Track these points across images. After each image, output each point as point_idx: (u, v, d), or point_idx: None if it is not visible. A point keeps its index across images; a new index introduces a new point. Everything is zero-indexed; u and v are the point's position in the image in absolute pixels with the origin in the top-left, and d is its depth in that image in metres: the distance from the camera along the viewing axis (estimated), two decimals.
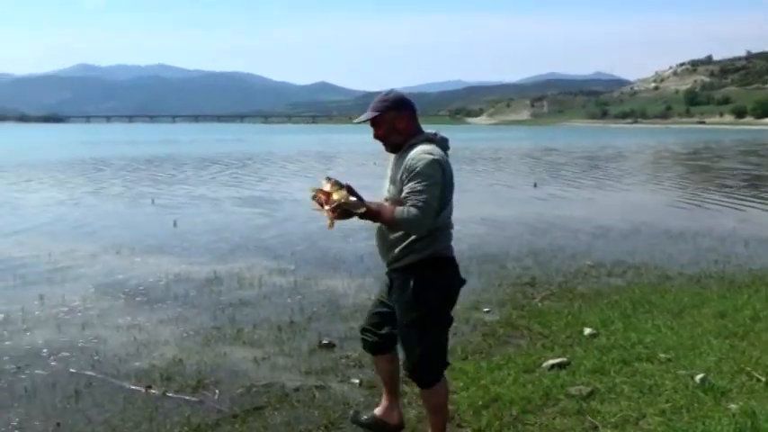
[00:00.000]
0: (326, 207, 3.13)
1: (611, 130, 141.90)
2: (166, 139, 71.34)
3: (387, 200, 3.37)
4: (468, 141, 61.99)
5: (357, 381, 4.73)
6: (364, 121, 3.46)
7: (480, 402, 4.21)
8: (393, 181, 3.37)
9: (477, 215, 13.21)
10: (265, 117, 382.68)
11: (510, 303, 6.82)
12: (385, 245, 3.46)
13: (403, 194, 3.22)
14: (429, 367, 3.48)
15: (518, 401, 4.18)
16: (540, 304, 6.78)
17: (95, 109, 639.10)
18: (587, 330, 5.65)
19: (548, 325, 5.96)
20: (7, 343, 5.60)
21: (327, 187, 3.18)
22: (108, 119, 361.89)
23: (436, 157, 3.26)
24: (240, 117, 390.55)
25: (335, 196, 3.13)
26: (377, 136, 3.48)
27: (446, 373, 3.64)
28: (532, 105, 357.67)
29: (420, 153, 3.27)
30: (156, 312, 6.53)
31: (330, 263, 8.87)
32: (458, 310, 6.47)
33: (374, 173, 25.10)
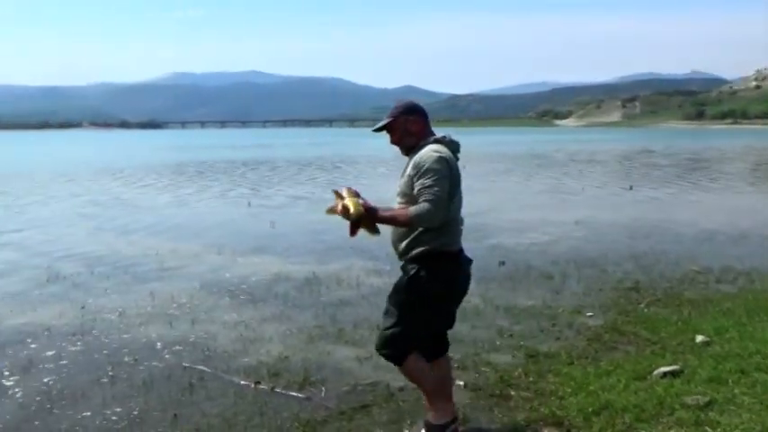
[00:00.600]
0: (347, 218, 3.41)
1: (710, 132, 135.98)
2: (260, 143, 73.39)
3: (397, 194, 3.63)
4: (560, 144, 60.85)
5: (461, 383, 4.70)
6: (381, 129, 3.74)
7: (590, 409, 4.10)
8: (402, 175, 3.62)
9: (572, 218, 12.95)
10: (351, 121, 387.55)
11: (614, 308, 6.62)
12: (395, 238, 3.65)
13: (415, 191, 3.46)
14: (394, 347, 3.67)
15: (630, 409, 4.05)
16: (646, 310, 6.55)
17: (190, 115, 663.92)
18: (699, 338, 5.41)
19: (656, 331, 5.75)
20: (125, 336, 5.89)
21: (344, 192, 3.50)
22: (202, 124, 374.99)
23: (443, 154, 3.51)
24: (329, 121, 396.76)
25: (351, 208, 3.39)
26: (393, 141, 3.75)
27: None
28: (624, 106, 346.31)
29: (428, 151, 3.53)
30: (259, 310, 6.72)
31: None
32: (560, 313, 6.41)
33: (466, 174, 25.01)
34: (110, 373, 5.00)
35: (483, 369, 4.98)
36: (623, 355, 5.24)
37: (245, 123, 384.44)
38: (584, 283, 7.74)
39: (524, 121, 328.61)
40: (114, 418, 4.26)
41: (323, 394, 4.58)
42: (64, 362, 5.27)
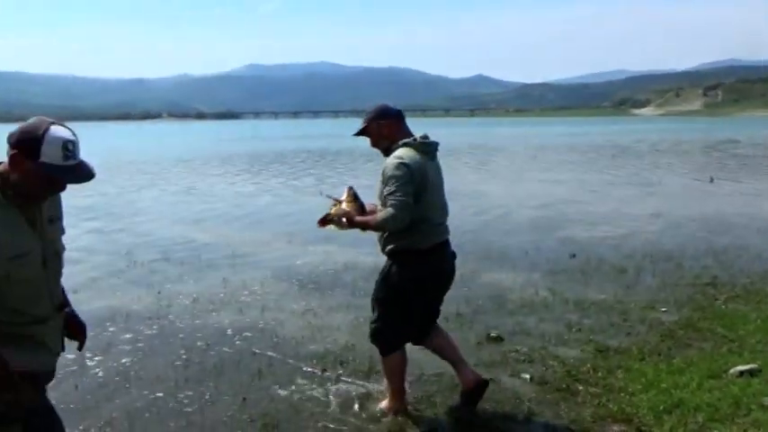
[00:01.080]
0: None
1: None
2: (331, 133, 74.10)
3: (377, 197, 3.88)
4: (638, 134, 59.14)
5: (528, 376, 4.65)
6: (359, 134, 4.06)
7: (662, 407, 3.99)
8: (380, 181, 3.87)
9: (649, 211, 12.59)
10: (423, 111, 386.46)
11: (689, 304, 6.40)
12: (377, 237, 3.98)
13: (382, 198, 3.75)
14: (380, 340, 4.01)
15: (704, 408, 3.92)
16: (723, 306, 6.31)
17: (264, 106, 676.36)
18: None
19: (734, 328, 5.54)
20: (197, 322, 6.08)
21: (344, 197, 3.82)
22: (275, 115, 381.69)
23: (403, 160, 3.72)
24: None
25: (344, 206, 3.79)
26: (371, 144, 4.05)
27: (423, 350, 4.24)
28: (705, 95, 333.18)
29: (391, 159, 3.79)
30: (327, 299, 6.81)
31: (495, 256, 8.79)
32: (632, 308, 6.24)
33: (537, 165, 24.73)
34: (183, 357, 5.18)
35: (550, 363, 4.91)
36: (698, 352, 5.07)
37: (316, 114, 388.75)
38: (658, 277, 7.52)
39: (600, 110, 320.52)
40: (186, 400, 4.41)
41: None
42: (140, 344, 5.50)
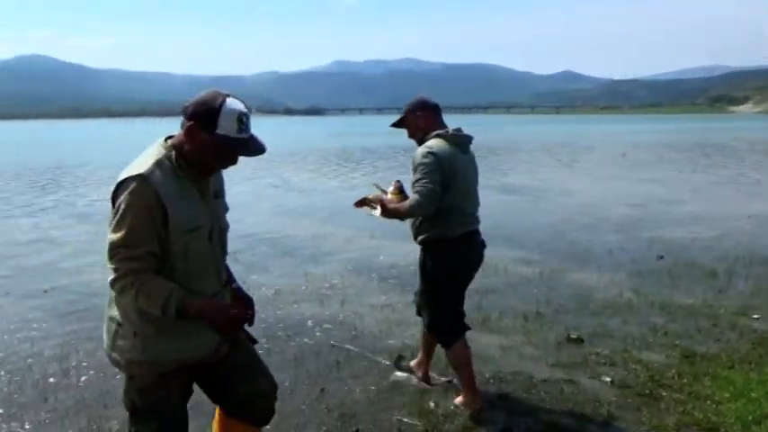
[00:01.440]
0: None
1: None
2: None
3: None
4: (735, 132, 56.46)
5: (608, 379, 4.54)
6: (397, 125, 4.20)
7: (750, 417, 3.83)
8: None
9: (745, 212, 12.01)
10: (507, 107, 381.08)
11: None
12: (409, 225, 4.10)
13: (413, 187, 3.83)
14: (439, 330, 4.11)
15: None
16: None
17: (350, 102, 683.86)
18: None
19: None
20: (279, 312, 6.23)
21: (390, 188, 3.93)
22: (360, 111, 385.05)
23: (431, 149, 3.82)
24: (484, 108, 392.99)
25: (389, 196, 3.91)
26: (408, 135, 4.17)
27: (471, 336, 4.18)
28: None
29: (421, 148, 3.89)
30: (406, 294, 6.80)
31: (578, 256, 8.61)
32: (722, 313, 5.99)
33: (626, 163, 23.97)
34: (265, 346, 5.30)
35: (633, 366, 4.78)
36: None
37: (401, 110, 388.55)
38: (752, 282, 7.18)
39: (694, 107, 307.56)
40: None
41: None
42: None
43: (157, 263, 2.32)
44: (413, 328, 5.69)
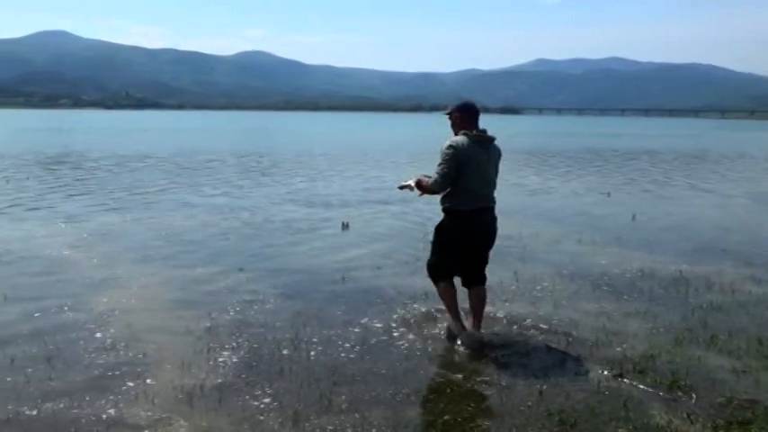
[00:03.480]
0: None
1: None
2: (616, 132, 71.01)
3: None
4: None
5: None
6: (447, 114, 5.32)
7: None
8: None
9: None
10: (722, 112, 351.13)
11: None
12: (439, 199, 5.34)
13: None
14: (429, 272, 5.54)
15: None
16: None
17: (548, 101, 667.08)
18: None
19: None
20: (489, 308, 6.23)
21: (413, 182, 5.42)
22: (558, 111, 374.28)
23: (452, 143, 5.08)
24: (694, 112, 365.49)
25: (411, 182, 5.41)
26: (451, 126, 5.27)
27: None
28: None
29: (445, 142, 5.13)
30: (621, 303, 6.58)
31: None
32: None
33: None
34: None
35: None
36: None
37: (602, 111, 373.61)
38: None
39: None
40: (484, 384, 4.62)
41: (693, 401, 4.34)
42: (437, 331, 5.84)
43: None
44: (631, 340, 5.51)
